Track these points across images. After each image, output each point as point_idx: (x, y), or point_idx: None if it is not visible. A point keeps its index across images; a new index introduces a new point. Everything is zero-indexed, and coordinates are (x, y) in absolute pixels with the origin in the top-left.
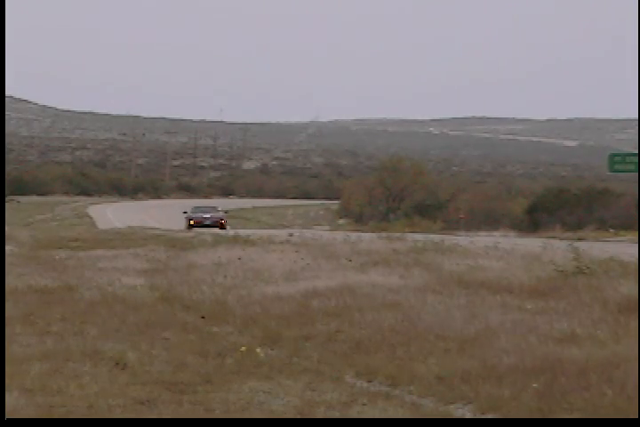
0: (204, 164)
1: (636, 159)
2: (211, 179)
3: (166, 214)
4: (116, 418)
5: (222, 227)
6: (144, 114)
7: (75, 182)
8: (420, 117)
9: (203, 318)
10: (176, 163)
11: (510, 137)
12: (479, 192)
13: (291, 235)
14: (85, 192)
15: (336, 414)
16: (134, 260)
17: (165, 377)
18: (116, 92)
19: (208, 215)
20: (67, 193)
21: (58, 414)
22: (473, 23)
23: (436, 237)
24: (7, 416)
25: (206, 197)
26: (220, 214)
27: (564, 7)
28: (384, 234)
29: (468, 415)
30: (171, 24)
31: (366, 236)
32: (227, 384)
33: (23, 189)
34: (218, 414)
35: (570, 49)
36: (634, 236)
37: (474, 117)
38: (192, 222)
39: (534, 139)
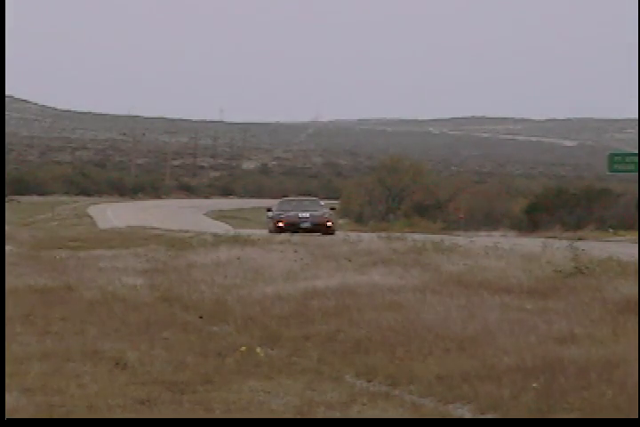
0: (204, 164)
1: (636, 159)
2: (211, 179)
3: (166, 214)
4: (116, 418)
5: (329, 231)
6: (144, 114)
7: (75, 182)
8: (419, 117)
9: (200, 317)
10: (176, 163)
11: (510, 137)
12: (479, 192)
13: (291, 235)
14: (85, 192)
15: (336, 414)
16: (134, 260)
17: (165, 377)
18: (115, 92)
19: (306, 214)
20: (67, 193)
21: (58, 414)
22: (472, 23)
23: (436, 237)
24: (7, 416)
25: (206, 197)
26: (325, 212)
27: (563, 7)
28: (384, 234)
29: (468, 415)
30: (170, 24)
31: (366, 236)
32: (227, 384)
33: (23, 189)
34: (218, 414)
35: (570, 49)
36: (633, 236)
37: (473, 117)
38: (281, 224)
39: (534, 139)
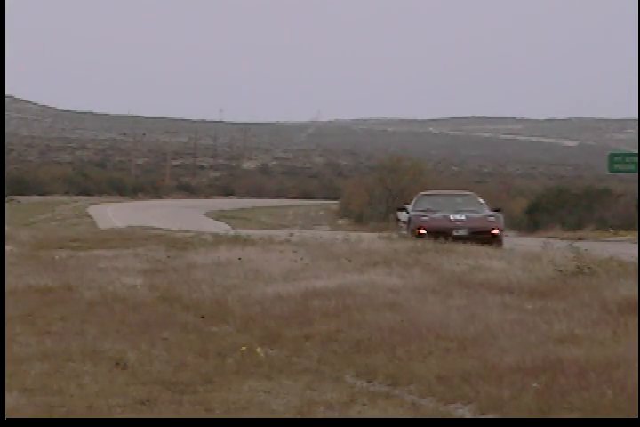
0: (204, 164)
1: (636, 159)
2: (211, 179)
3: (166, 214)
4: (116, 418)
5: (495, 240)
6: (144, 114)
7: (75, 182)
8: (419, 117)
9: (202, 317)
10: (176, 163)
11: (510, 137)
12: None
13: (291, 235)
14: (85, 192)
15: (336, 415)
16: (134, 259)
17: (165, 377)
18: (115, 92)
19: (461, 216)
20: (67, 193)
21: (58, 414)
22: (472, 23)
23: None
24: (7, 416)
25: (206, 197)
26: (488, 214)
27: (563, 7)
28: (384, 234)
29: (468, 415)
30: (170, 24)
31: (366, 236)
32: (227, 384)
33: (23, 189)
34: (218, 414)
35: (570, 48)
36: (634, 236)
37: (474, 117)
38: (423, 231)
39: (534, 139)
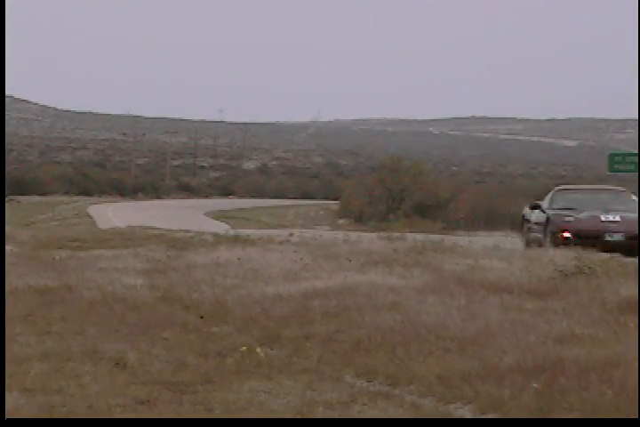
0: (204, 164)
1: (636, 159)
2: (211, 179)
3: (166, 214)
4: (116, 418)
5: None
6: (144, 114)
7: (75, 182)
8: (419, 117)
9: (201, 317)
10: (176, 163)
11: (510, 137)
12: (479, 192)
13: (291, 235)
14: (85, 192)
15: (336, 415)
16: (134, 259)
17: (165, 377)
18: (115, 91)
19: (615, 217)
20: (67, 193)
21: (58, 414)
22: (472, 22)
23: (437, 237)
24: (7, 416)
25: (206, 197)
26: None
27: (563, 6)
28: (384, 234)
29: (468, 415)
30: (170, 23)
31: (366, 236)
32: (227, 384)
33: (23, 189)
34: (218, 413)
35: (569, 48)
36: None
37: (474, 117)
38: (567, 234)
39: (534, 139)
